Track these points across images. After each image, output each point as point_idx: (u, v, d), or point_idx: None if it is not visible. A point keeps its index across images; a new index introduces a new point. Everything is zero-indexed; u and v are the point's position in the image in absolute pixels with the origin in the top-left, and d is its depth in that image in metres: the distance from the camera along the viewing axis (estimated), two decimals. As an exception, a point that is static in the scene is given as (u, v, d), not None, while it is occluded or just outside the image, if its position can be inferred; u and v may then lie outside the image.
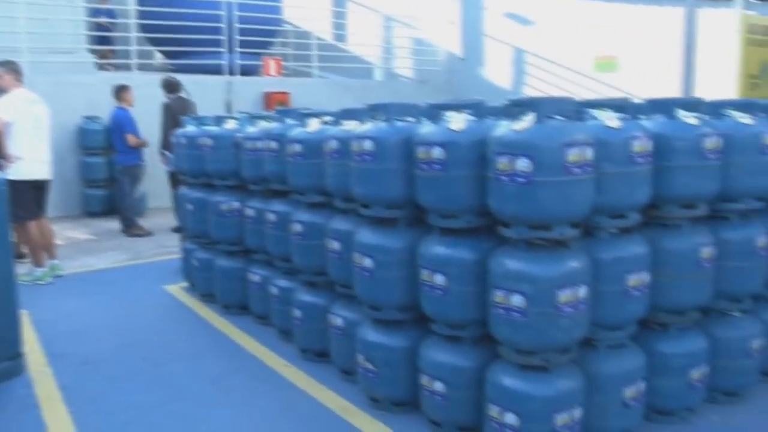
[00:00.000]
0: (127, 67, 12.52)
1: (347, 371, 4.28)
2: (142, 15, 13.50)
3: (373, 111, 3.72)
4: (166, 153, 8.71)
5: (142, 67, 13.28)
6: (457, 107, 3.39)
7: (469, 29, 14.75)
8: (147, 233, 9.56)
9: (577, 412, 3.13)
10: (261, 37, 14.36)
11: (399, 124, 3.61)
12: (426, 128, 3.39)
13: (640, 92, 8.52)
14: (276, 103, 12.21)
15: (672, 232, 3.57)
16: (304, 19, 16.35)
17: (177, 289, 6.78)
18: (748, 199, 3.78)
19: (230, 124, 5.83)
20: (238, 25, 12.84)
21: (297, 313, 4.68)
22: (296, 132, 4.55)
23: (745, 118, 3.78)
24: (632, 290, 3.30)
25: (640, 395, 3.46)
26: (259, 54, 14.25)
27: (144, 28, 13.80)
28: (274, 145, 4.85)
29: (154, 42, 14.82)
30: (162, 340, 5.30)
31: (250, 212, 5.39)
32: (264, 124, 5.30)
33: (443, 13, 15.09)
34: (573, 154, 2.90)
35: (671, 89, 8.99)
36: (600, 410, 3.34)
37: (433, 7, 15.22)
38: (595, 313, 3.24)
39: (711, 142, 3.48)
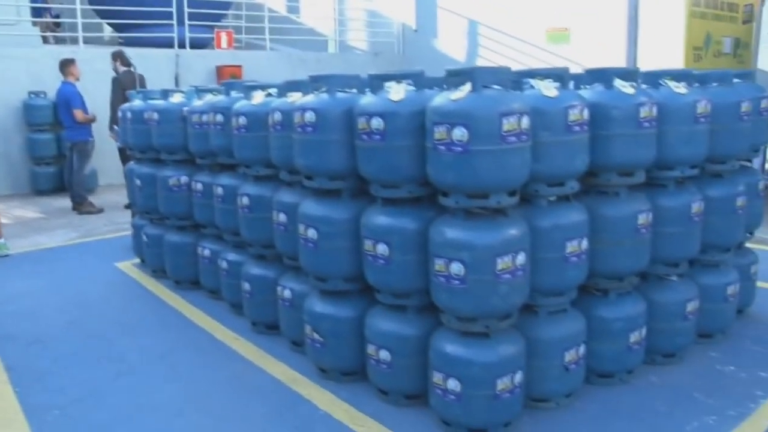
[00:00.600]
0: (73, 41, 12.21)
1: (297, 343, 4.31)
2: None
3: (315, 82, 3.71)
4: (116, 128, 8.55)
5: (90, 41, 12.97)
6: (398, 78, 3.39)
7: (422, 1, 14.69)
8: (98, 210, 9.41)
9: (518, 377, 3.21)
10: (213, 9, 14.12)
11: (340, 95, 3.60)
12: (366, 99, 3.40)
13: (590, 63, 8.61)
14: (229, 77, 12.04)
15: (610, 200, 3.66)
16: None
17: (128, 265, 6.71)
18: (683, 167, 3.87)
19: (177, 98, 5.75)
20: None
21: (246, 286, 4.68)
22: (240, 104, 4.52)
23: (680, 88, 3.86)
24: (571, 257, 3.37)
25: (581, 359, 3.55)
26: (212, 27, 14.02)
27: (91, 0, 13.48)
28: (219, 118, 4.81)
29: (102, 14, 14.48)
30: (111, 316, 5.25)
31: (198, 186, 5.35)
32: (210, 98, 5.24)
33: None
34: (509, 123, 2.94)
35: (620, 60, 9.11)
36: (541, 374, 3.43)
37: (387, -22, 15.14)
38: (535, 279, 3.30)
39: (646, 111, 3.55)
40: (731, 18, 8.54)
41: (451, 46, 14.10)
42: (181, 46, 12.62)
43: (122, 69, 9.15)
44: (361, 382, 3.85)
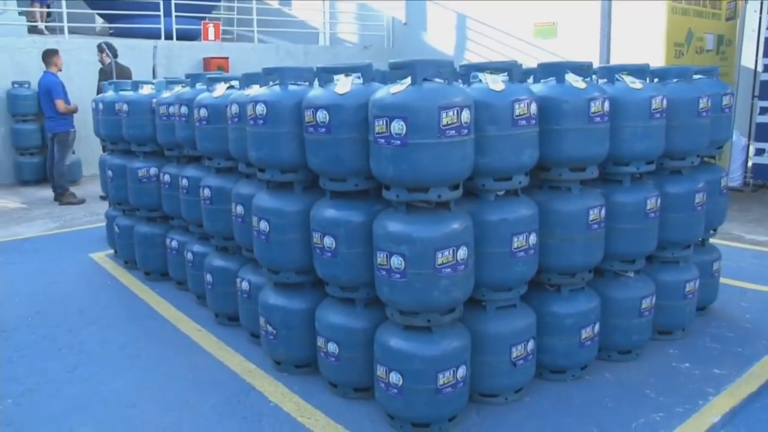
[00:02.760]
0: (60, 31, 12.19)
1: (255, 335, 4.31)
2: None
3: (268, 75, 3.70)
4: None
5: (80, 31, 12.95)
6: (346, 70, 3.38)
7: (413, -5, 14.70)
8: (79, 201, 9.41)
9: (461, 371, 3.21)
10: (202, 1, 14.09)
11: (292, 87, 3.59)
12: (313, 92, 3.39)
13: (576, 57, 8.60)
14: (215, 68, 12.03)
15: (562, 195, 3.65)
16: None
17: (102, 256, 6.72)
18: (638, 163, 3.87)
19: (147, 90, 5.75)
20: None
21: (209, 277, 4.69)
22: (202, 96, 4.51)
23: (636, 83, 3.85)
24: (518, 251, 3.36)
25: (530, 354, 3.55)
26: (200, 18, 13.99)
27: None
28: (184, 110, 4.80)
29: (92, 5, 14.46)
30: (78, 306, 5.25)
31: (166, 178, 5.34)
32: (178, 89, 5.23)
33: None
34: (447, 117, 2.92)
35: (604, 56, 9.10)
36: (489, 369, 3.43)
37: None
38: (481, 274, 3.30)
39: (597, 106, 3.53)
40: (714, 15, 8.52)
41: (441, 39, 14.07)
42: (169, 37, 12.59)
43: (107, 60, 9.14)
44: (313, 375, 3.86)
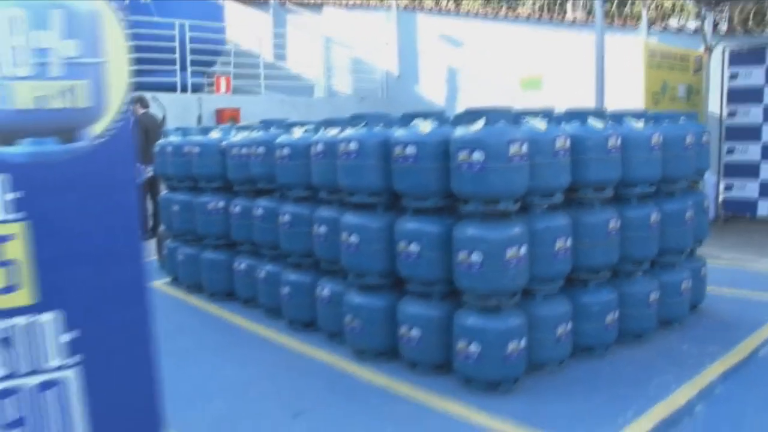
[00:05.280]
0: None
1: (333, 334, 5.21)
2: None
3: (355, 119, 4.71)
4: (139, 166, 9.45)
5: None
6: (424, 116, 4.41)
7: (404, 49, 15.89)
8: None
9: (523, 342, 4.17)
10: (207, 56, 15.15)
11: (376, 129, 4.61)
12: (400, 131, 4.41)
13: (561, 106, 9.76)
14: (228, 119, 13.00)
15: (587, 210, 4.69)
16: (245, 40, 17.23)
17: (161, 284, 7.55)
18: (643, 185, 4.94)
19: (215, 134, 6.72)
20: (189, 45, 13.62)
21: (286, 290, 5.59)
22: (283, 138, 5.49)
23: (639, 124, 4.94)
24: (559, 252, 4.38)
25: (568, 334, 4.53)
26: (203, 72, 15.02)
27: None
28: (261, 150, 5.77)
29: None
30: (160, 322, 6.08)
31: (236, 209, 6.27)
32: (248, 134, 6.21)
33: (380, 35, 16.19)
34: (513, 148, 3.96)
35: (588, 103, 10.25)
36: (539, 344, 4.39)
37: (371, 28, 16.31)
38: (532, 269, 4.29)
39: (613, 141, 4.61)
40: (683, 67, 9.78)
41: (432, 90, 15.27)
42: (183, 89, 13.59)
43: (141, 111, 10.09)
44: (391, 362, 4.76)
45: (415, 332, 4.45)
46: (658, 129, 5.06)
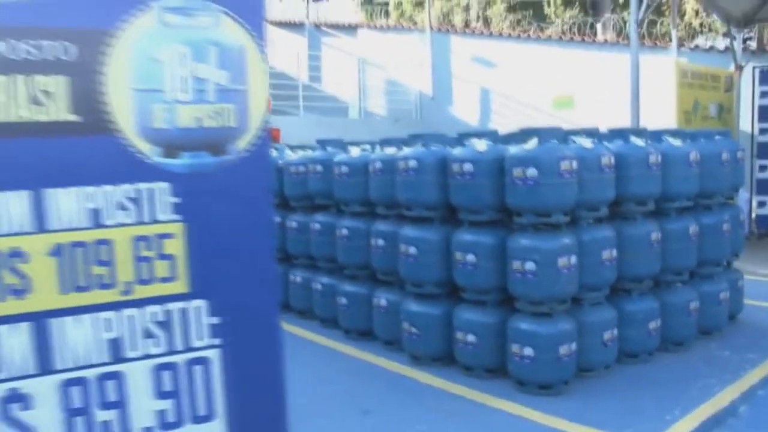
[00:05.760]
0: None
1: (389, 342, 5.53)
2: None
3: (413, 138, 5.08)
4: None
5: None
6: (479, 135, 4.76)
7: (438, 71, 16.30)
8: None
9: (573, 346, 4.47)
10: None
11: (433, 147, 4.96)
12: (458, 149, 4.75)
13: (592, 125, 10.06)
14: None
15: (630, 223, 4.98)
16: (281, 62, 17.76)
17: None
18: (681, 200, 5.23)
19: (272, 153, 7.11)
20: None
21: (342, 300, 5.93)
22: (341, 157, 5.87)
23: (677, 142, 5.24)
24: (605, 262, 4.68)
25: (614, 339, 4.81)
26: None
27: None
28: (319, 168, 6.14)
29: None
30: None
31: (293, 224, 6.65)
32: (304, 153, 6.60)
33: (414, 57, 16.63)
34: (564, 165, 4.29)
35: (619, 122, 10.54)
36: (587, 349, 4.67)
37: (405, 50, 16.76)
38: (580, 278, 4.59)
39: (654, 158, 4.91)
40: (714, 87, 10.06)
41: (465, 111, 15.64)
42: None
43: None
44: (447, 366, 5.07)
45: (470, 338, 4.76)
46: (696, 146, 5.36)
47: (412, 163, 4.91)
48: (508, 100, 14.62)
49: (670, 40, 11.44)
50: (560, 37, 14.52)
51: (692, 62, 10.61)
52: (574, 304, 4.70)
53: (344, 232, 5.84)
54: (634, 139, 5.02)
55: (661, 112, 9.37)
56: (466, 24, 23.12)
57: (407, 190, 5.00)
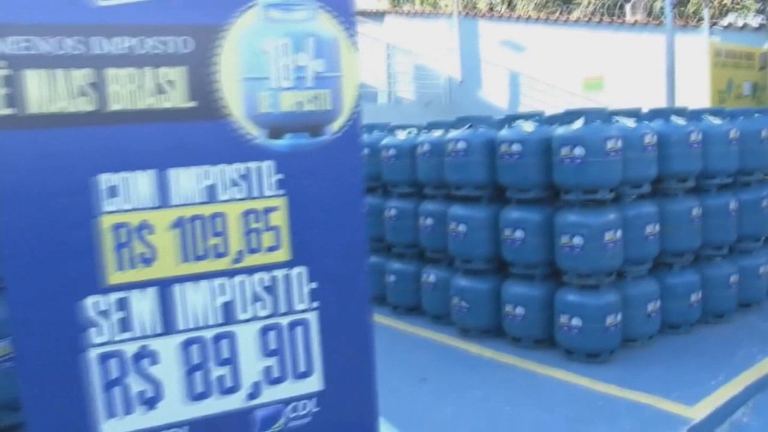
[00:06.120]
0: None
1: (437, 316, 5.77)
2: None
3: (460, 121, 5.29)
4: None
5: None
6: (525, 117, 4.96)
7: (466, 55, 16.42)
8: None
9: (619, 317, 4.68)
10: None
11: (480, 129, 5.17)
12: (506, 131, 4.96)
13: (623, 107, 10.17)
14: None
15: (671, 199, 5.16)
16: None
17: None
18: (721, 176, 5.39)
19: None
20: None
21: (391, 278, 6.18)
22: (388, 140, 6.09)
23: (716, 120, 5.40)
24: (648, 237, 4.87)
25: (657, 311, 5.00)
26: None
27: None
28: (366, 151, 6.37)
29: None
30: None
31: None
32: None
33: (442, 42, 16.76)
34: (610, 144, 4.48)
35: (650, 104, 10.64)
36: (631, 320, 4.87)
37: (433, 36, 16.90)
38: (625, 252, 4.79)
39: (694, 136, 5.08)
40: (749, 65, 10.12)
41: (494, 95, 15.77)
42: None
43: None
44: (494, 338, 5.30)
45: (519, 310, 4.98)
46: (735, 124, 5.50)
47: (461, 145, 5.12)
48: (537, 83, 14.73)
49: (701, 19, 11.50)
50: (589, 19, 14.57)
51: (725, 41, 10.67)
52: (619, 278, 4.89)
53: (392, 212, 6.08)
54: (674, 118, 5.18)
55: (694, 92, 9.48)
56: (491, 8, 23.16)
57: (456, 171, 5.22)
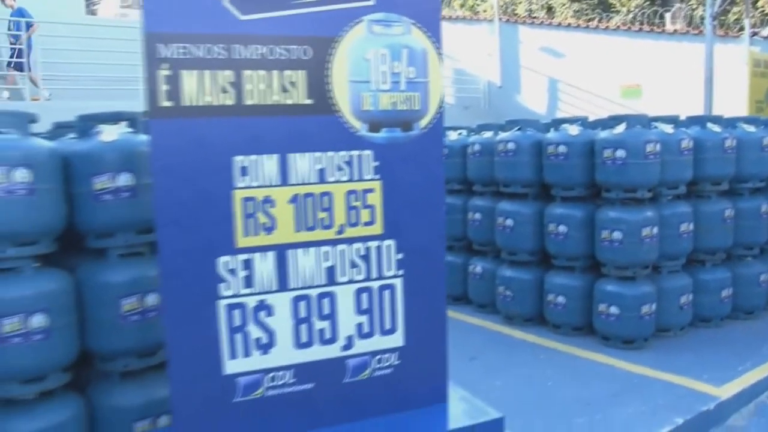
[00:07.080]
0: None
1: (482, 305, 6.22)
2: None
3: (510, 124, 5.74)
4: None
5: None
6: (570, 121, 5.40)
7: (506, 61, 16.82)
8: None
9: (653, 307, 5.09)
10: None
11: (528, 132, 5.61)
12: (552, 133, 5.40)
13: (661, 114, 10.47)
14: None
15: (705, 201, 5.56)
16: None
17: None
18: (754, 180, 5.77)
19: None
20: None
21: (438, 268, 6.62)
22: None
23: (751, 128, 5.78)
24: (683, 234, 5.27)
25: (689, 304, 5.40)
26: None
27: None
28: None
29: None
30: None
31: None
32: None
33: (483, 47, 17.18)
34: (649, 147, 4.91)
35: (688, 112, 10.93)
36: (665, 311, 5.27)
37: (473, 41, 17.33)
38: (660, 247, 5.19)
39: (729, 143, 5.47)
40: (786, 76, 10.42)
41: (533, 100, 16.15)
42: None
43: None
44: (537, 326, 5.73)
45: (560, 299, 5.41)
46: (768, 132, 5.89)
47: (511, 146, 5.57)
48: (575, 90, 15.08)
49: (741, 29, 11.77)
50: (628, 27, 14.89)
51: (765, 51, 10.94)
52: (655, 271, 5.30)
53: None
54: (710, 125, 5.58)
55: (732, 101, 9.80)
56: (530, 14, 23.50)
57: (505, 170, 5.67)
